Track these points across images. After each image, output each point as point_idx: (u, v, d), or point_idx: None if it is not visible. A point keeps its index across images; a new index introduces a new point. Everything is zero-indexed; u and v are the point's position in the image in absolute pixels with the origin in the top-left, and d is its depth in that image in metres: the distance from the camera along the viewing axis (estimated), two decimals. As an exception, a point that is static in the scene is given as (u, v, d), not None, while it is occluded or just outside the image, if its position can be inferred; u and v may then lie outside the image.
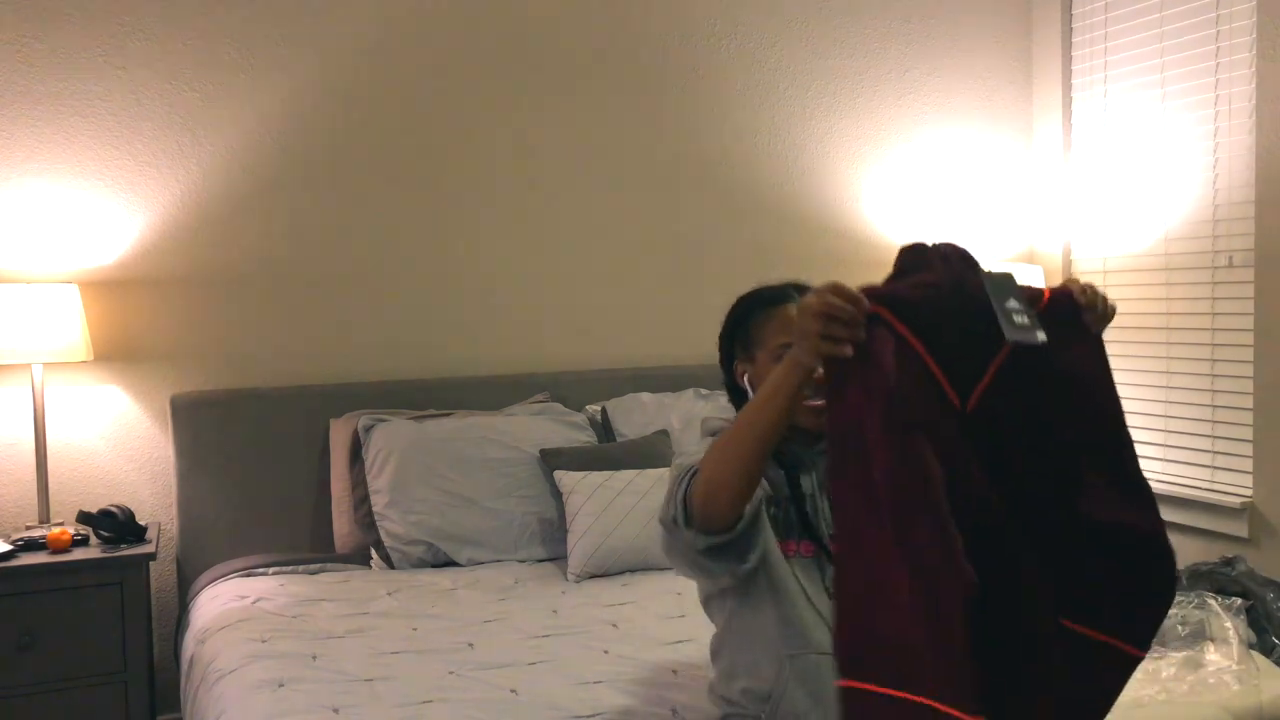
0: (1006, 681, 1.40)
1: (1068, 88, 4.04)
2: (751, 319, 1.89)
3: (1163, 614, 1.53)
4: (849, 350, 1.35)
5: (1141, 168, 3.73)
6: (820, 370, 1.40)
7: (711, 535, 1.65)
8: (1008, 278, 1.44)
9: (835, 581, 1.35)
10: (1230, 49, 3.42)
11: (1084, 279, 1.61)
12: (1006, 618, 1.40)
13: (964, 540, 1.32)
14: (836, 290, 1.36)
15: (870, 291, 1.37)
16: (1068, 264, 4.04)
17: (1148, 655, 2.08)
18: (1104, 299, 1.54)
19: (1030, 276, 3.85)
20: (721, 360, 1.96)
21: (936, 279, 1.41)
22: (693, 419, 3.31)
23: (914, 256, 1.43)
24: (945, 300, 1.39)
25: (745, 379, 1.89)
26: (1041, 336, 1.39)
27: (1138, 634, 1.50)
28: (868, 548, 1.32)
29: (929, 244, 1.44)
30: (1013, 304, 1.41)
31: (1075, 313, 1.49)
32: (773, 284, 1.93)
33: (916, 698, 1.27)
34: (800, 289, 1.88)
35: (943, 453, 1.36)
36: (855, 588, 1.32)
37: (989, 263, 3.93)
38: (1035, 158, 4.18)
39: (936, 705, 1.27)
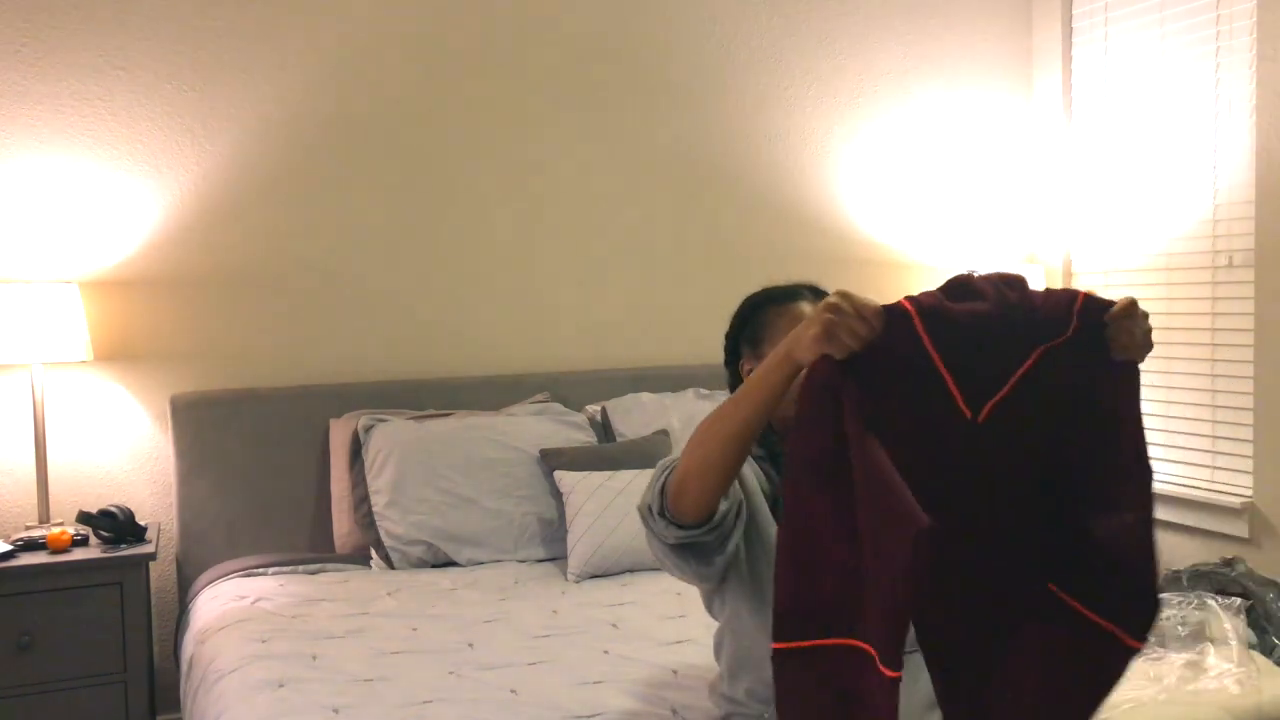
0: (990, 656, 1.44)
1: (1068, 89, 4.04)
2: (760, 315, 1.85)
3: (1155, 611, 1.49)
4: (843, 352, 1.35)
5: (1141, 170, 3.72)
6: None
7: (681, 529, 1.60)
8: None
9: (777, 548, 1.40)
10: (1230, 50, 3.42)
11: (1095, 288, 1.56)
12: (992, 588, 1.43)
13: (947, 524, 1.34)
14: (848, 297, 1.36)
15: (911, 297, 1.39)
16: (1068, 269, 4.04)
17: (1147, 656, 2.08)
18: (1141, 328, 1.45)
19: (1030, 277, 3.84)
20: (726, 359, 1.92)
21: (987, 307, 1.41)
22: (693, 419, 3.30)
23: (961, 288, 1.44)
24: (987, 323, 1.40)
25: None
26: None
27: (1132, 625, 1.46)
28: (810, 519, 1.38)
29: (974, 274, 1.46)
30: None
31: (1102, 333, 1.46)
32: (782, 284, 1.91)
33: (835, 640, 1.36)
34: (814, 290, 1.87)
35: (940, 457, 1.40)
36: (792, 555, 1.39)
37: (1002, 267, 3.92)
38: (1035, 165, 4.17)
39: (853, 643, 1.34)
